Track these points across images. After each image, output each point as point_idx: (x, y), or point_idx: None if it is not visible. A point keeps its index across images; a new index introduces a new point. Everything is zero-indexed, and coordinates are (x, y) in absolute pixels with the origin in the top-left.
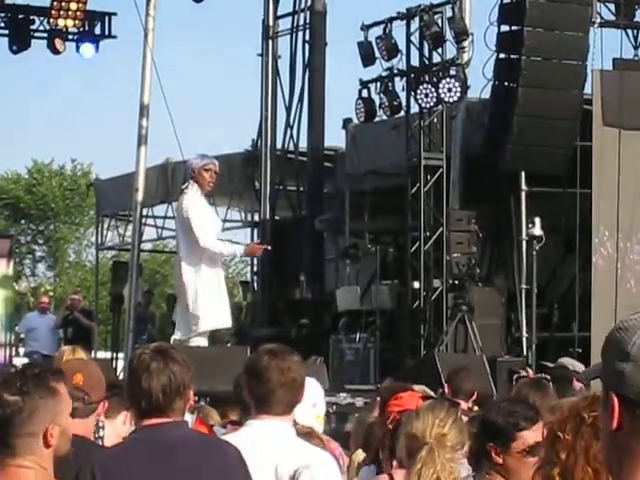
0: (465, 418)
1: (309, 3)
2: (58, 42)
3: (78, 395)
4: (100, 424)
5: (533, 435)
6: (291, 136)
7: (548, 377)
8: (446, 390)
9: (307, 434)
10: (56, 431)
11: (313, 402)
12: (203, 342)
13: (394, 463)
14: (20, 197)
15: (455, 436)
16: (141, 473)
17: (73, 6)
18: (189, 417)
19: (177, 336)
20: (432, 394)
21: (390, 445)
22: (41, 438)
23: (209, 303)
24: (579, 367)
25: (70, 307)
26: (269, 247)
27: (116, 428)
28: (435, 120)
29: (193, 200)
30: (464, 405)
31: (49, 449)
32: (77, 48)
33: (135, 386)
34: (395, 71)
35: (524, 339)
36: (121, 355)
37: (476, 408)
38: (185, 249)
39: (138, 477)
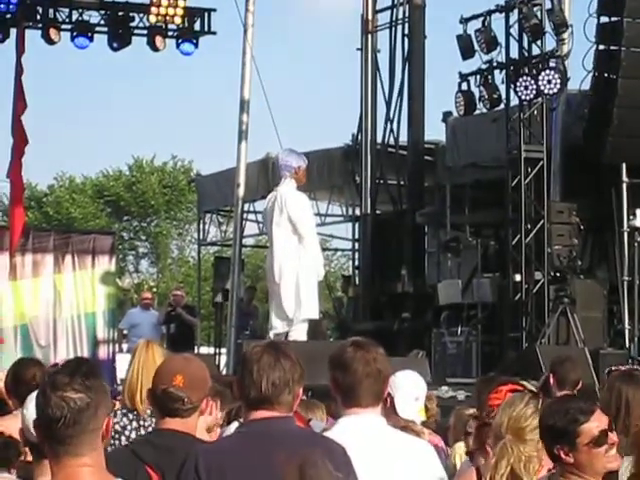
0: None
1: None
2: (158, 39)
3: (178, 396)
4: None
5: (594, 425)
6: (391, 130)
7: None
8: (551, 381)
9: (403, 428)
10: (111, 424)
11: (416, 396)
12: (302, 336)
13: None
14: (121, 194)
15: (534, 427)
16: (244, 466)
17: (173, 2)
18: None
19: (276, 330)
20: (532, 388)
21: (481, 438)
22: (101, 434)
23: (309, 292)
24: None
25: (173, 303)
26: None
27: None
28: (535, 112)
29: (295, 195)
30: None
31: (104, 442)
32: (177, 45)
33: (246, 377)
34: (494, 64)
35: (626, 331)
36: (224, 350)
37: None
38: (284, 240)
39: (241, 470)
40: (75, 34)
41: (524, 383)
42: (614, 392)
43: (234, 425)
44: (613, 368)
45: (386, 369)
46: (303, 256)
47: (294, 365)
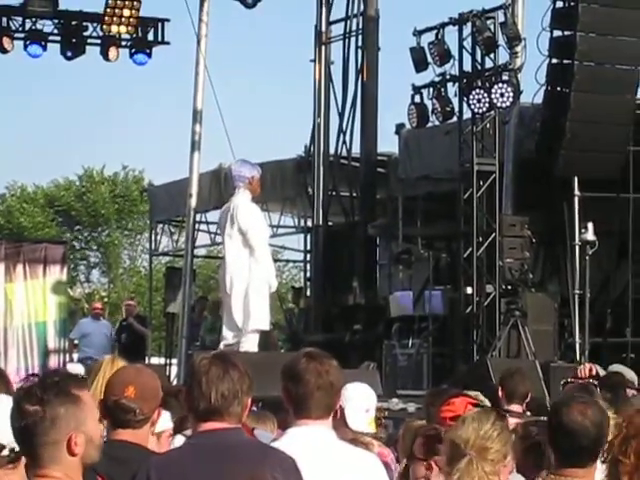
0: (516, 421)
1: (362, 8)
2: (112, 49)
3: (130, 408)
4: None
5: None
6: (344, 142)
7: (596, 382)
8: (500, 393)
9: (353, 439)
10: (80, 439)
11: (366, 407)
12: (253, 347)
13: (434, 467)
14: (72, 204)
15: (498, 449)
16: (196, 477)
17: (126, 12)
18: None
19: (227, 341)
20: (485, 401)
21: (429, 448)
22: (65, 447)
23: (260, 305)
24: (631, 375)
25: (125, 313)
26: None
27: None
28: (488, 125)
29: (247, 206)
30: (518, 408)
31: (74, 457)
32: (131, 54)
33: (195, 389)
34: (448, 76)
35: (577, 345)
36: (175, 361)
37: (529, 413)
38: (236, 251)
39: None
40: (28, 42)
41: (476, 395)
42: None
43: (179, 437)
44: (569, 380)
45: (338, 381)
46: (254, 267)
47: (243, 376)
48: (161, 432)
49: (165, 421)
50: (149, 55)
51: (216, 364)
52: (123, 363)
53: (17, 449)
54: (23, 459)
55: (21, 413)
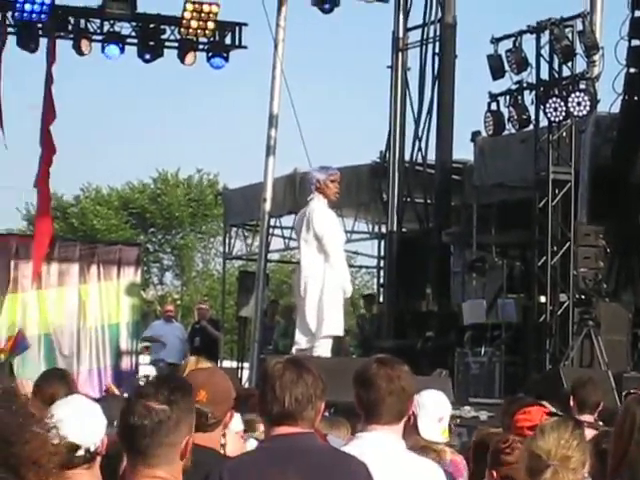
0: (592, 431)
1: (439, 15)
2: (189, 52)
3: (202, 412)
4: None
5: None
6: (419, 148)
7: None
8: (571, 402)
9: (423, 447)
10: (191, 443)
11: (440, 416)
12: (326, 352)
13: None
14: (146, 206)
15: (578, 458)
16: None
17: (204, 16)
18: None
19: (300, 345)
20: (556, 411)
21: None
22: (179, 450)
23: (334, 310)
24: None
25: (198, 316)
26: None
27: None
28: (564, 134)
29: (323, 212)
30: (590, 418)
31: (182, 461)
32: (208, 58)
33: (268, 393)
34: (524, 84)
35: None
36: (247, 365)
37: (601, 423)
38: (312, 256)
39: None
40: (106, 44)
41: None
42: (628, 416)
43: (252, 441)
44: (632, 391)
45: (410, 387)
46: (329, 273)
47: (316, 380)
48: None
49: (237, 423)
50: (226, 59)
51: (290, 368)
52: (208, 364)
53: (93, 449)
54: (98, 459)
55: (146, 411)
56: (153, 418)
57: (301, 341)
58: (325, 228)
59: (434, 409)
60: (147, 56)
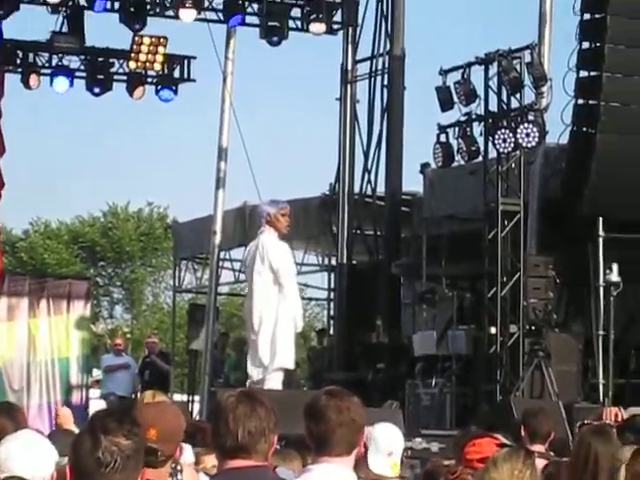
0: (543, 461)
1: (388, 48)
2: (137, 86)
3: (151, 450)
4: (178, 467)
5: None
6: (369, 180)
7: (612, 424)
8: (522, 433)
9: None
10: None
11: (389, 451)
12: (277, 384)
13: None
14: (96, 240)
15: None
16: None
17: (152, 49)
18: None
19: (252, 378)
20: (510, 443)
21: None
22: None
23: (286, 343)
24: None
25: (148, 350)
26: None
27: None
28: (513, 165)
29: (276, 244)
30: (541, 448)
31: None
32: (156, 91)
33: (222, 426)
34: (473, 116)
35: (601, 385)
36: (197, 398)
37: (552, 453)
38: (265, 289)
39: None
40: (54, 77)
41: (499, 437)
42: (583, 446)
43: (203, 476)
44: (585, 422)
45: (360, 418)
46: (282, 305)
47: (269, 413)
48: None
49: (189, 455)
50: (175, 92)
51: (243, 401)
52: (164, 397)
53: None
54: None
55: (115, 447)
56: (122, 454)
57: (253, 374)
58: (281, 260)
59: (385, 443)
60: (96, 89)
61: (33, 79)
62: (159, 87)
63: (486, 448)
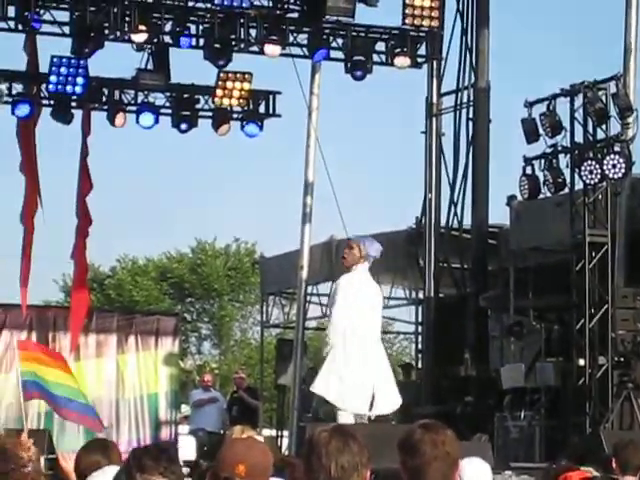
0: None
1: (473, 80)
2: (223, 122)
3: None
4: None
5: None
6: (455, 213)
7: None
8: (614, 464)
9: None
10: None
11: None
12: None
13: None
14: (184, 276)
15: None
16: None
17: (238, 85)
18: None
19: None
20: (597, 474)
21: None
22: None
23: (343, 385)
24: None
25: (235, 385)
26: None
27: None
28: (600, 197)
29: (346, 278)
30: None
31: None
32: (242, 126)
33: (314, 461)
34: (559, 148)
35: None
36: (286, 433)
37: None
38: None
39: None
40: (140, 113)
41: (590, 470)
42: None
43: None
44: None
45: (455, 452)
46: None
47: (362, 449)
48: None
49: None
50: (260, 127)
51: (336, 437)
52: (252, 432)
53: None
54: None
55: None
56: None
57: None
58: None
59: (474, 477)
60: (183, 126)
61: (119, 117)
62: (244, 123)
63: None
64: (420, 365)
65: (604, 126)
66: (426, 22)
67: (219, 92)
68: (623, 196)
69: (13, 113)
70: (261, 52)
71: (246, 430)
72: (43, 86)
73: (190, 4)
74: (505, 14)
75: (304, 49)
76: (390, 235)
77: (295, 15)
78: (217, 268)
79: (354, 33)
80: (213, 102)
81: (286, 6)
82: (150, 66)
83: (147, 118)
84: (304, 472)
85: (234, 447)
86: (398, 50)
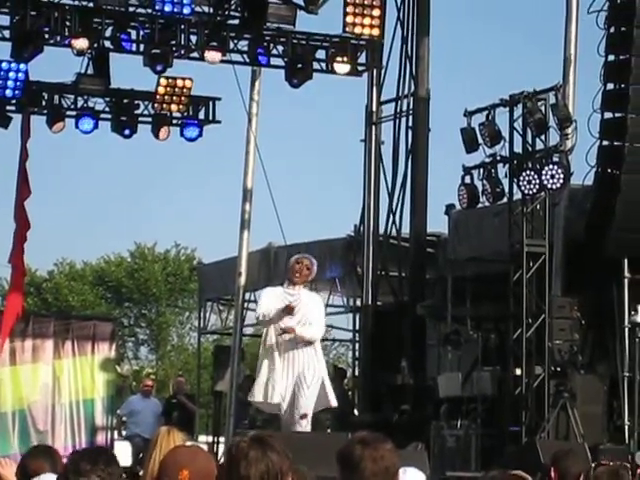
0: None
1: (412, 89)
2: (162, 127)
3: None
4: None
5: None
6: (393, 222)
7: (628, 465)
8: (552, 474)
9: None
10: None
11: None
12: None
13: None
14: (122, 281)
15: None
16: None
17: (178, 91)
18: None
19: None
20: None
21: None
22: None
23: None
24: None
25: (175, 390)
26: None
27: None
28: (538, 207)
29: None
30: None
31: None
32: (181, 131)
33: (233, 474)
34: (498, 157)
35: (626, 427)
36: (222, 439)
37: None
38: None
39: None
40: (79, 118)
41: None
42: None
43: None
44: (602, 462)
45: (394, 465)
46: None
47: (281, 457)
48: None
49: None
50: (200, 131)
51: (254, 446)
52: (180, 435)
53: None
54: None
55: None
56: None
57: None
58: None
59: None
60: (126, 131)
61: (58, 121)
62: (183, 127)
63: None
64: (357, 373)
65: (543, 136)
66: (367, 30)
67: (159, 97)
68: (561, 206)
69: None
70: (201, 58)
71: (173, 432)
72: None
73: (131, 10)
74: (446, 24)
75: (244, 56)
76: (329, 243)
77: (236, 22)
78: (155, 273)
79: (295, 40)
80: (153, 107)
81: (227, 13)
82: (90, 71)
83: (87, 123)
84: None
85: (178, 452)
86: (338, 58)
